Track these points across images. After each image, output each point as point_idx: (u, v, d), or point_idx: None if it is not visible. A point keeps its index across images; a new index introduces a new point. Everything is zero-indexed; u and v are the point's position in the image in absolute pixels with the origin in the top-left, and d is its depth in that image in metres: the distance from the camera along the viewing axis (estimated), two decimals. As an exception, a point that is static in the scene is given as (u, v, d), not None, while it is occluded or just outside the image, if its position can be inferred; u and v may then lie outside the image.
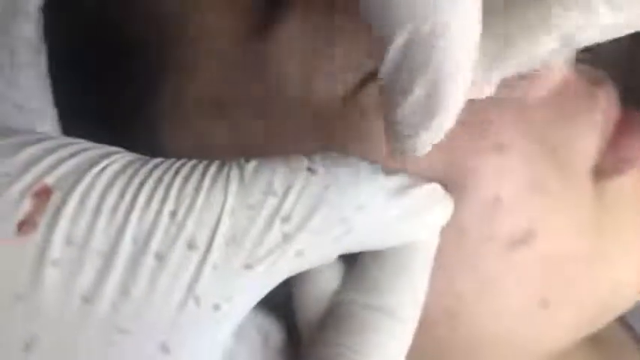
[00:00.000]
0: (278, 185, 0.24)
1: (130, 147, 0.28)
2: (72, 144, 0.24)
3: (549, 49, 0.23)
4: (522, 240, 0.29)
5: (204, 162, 0.24)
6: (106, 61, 0.31)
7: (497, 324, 0.30)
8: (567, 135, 0.30)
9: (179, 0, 0.30)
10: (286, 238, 0.23)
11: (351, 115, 0.29)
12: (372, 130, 0.28)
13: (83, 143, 0.24)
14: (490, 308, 0.29)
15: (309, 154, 0.25)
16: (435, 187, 0.26)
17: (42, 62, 0.30)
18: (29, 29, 0.30)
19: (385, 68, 0.22)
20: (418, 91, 0.22)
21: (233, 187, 0.23)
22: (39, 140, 0.24)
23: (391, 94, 0.23)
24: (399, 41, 0.22)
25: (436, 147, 0.27)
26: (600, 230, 0.30)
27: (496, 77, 0.24)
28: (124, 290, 0.22)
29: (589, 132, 0.30)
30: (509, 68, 0.24)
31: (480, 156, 0.28)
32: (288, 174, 0.24)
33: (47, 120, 0.31)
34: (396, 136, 0.24)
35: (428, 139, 0.23)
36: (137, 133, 0.30)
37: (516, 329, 0.30)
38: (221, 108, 0.30)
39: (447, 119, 0.23)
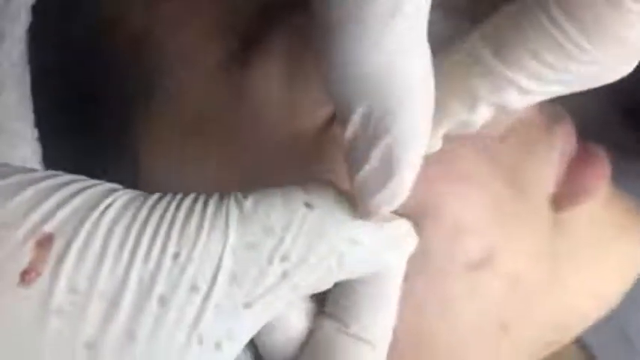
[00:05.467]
0: (277, 224, 0.24)
1: (111, 170, 0.28)
2: (70, 183, 0.24)
3: (483, 116, 0.25)
4: (482, 262, 0.30)
5: (202, 197, 0.24)
6: (88, 84, 0.30)
7: (457, 344, 0.31)
8: (526, 167, 0.31)
9: (160, 26, 0.30)
10: (284, 275, 0.24)
11: (326, 146, 0.29)
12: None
13: (82, 181, 0.24)
14: (452, 327, 0.30)
15: (286, 179, 0.25)
16: (406, 221, 0.27)
17: (25, 84, 0.30)
18: (16, 54, 0.29)
19: (347, 136, 0.23)
20: (374, 160, 0.23)
21: (233, 225, 0.24)
22: (36, 181, 0.23)
23: (352, 160, 0.24)
24: (356, 116, 0.23)
25: None
26: (557, 256, 0.32)
27: (440, 133, 0.26)
28: (130, 334, 0.22)
29: (547, 164, 0.32)
30: (449, 127, 0.25)
31: (443, 184, 0.29)
32: (286, 211, 0.24)
33: (26, 140, 0.30)
34: (360, 196, 0.24)
35: (386, 203, 0.24)
36: (119, 156, 0.30)
37: (476, 350, 0.31)
38: (201, 132, 0.30)
39: (401, 186, 0.24)
